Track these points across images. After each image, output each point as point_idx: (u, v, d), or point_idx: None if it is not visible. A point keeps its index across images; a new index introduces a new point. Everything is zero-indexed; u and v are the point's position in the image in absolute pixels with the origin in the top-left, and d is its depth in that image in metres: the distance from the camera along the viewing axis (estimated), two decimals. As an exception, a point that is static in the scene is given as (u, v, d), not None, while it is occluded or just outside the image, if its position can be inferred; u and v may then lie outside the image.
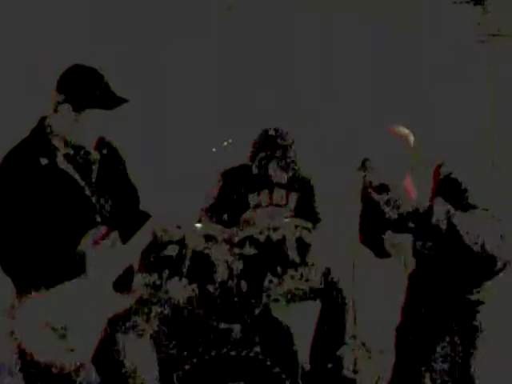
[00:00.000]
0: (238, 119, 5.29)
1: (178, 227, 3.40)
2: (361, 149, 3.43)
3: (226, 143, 2.99)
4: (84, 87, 2.89)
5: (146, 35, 5.55)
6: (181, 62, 5.61)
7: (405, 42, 5.77)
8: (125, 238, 2.94)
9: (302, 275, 3.97)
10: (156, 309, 3.79)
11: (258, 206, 4.57)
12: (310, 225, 4.21)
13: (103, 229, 2.94)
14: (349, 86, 5.72)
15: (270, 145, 4.44)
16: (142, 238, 2.99)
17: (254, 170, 4.50)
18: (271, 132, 4.46)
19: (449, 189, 3.38)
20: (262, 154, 4.45)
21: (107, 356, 3.10)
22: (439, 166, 3.46)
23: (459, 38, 5.69)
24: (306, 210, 4.58)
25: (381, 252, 3.60)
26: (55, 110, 2.93)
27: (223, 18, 5.73)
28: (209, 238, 4.00)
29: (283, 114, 5.07)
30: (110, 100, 2.89)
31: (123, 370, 3.16)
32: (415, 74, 5.74)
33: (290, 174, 4.55)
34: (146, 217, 3.02)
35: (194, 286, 3.97)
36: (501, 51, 5.64)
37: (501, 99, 5.66)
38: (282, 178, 4.54)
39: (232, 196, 4.55)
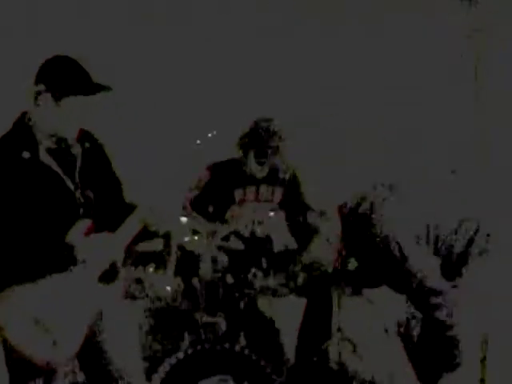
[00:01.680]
0: (224, 111, 5.28)
1: (164, 221, 3.38)
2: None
3: (210, 135, 2.98)
4: (62, 75, 2.88)
5: (129, 24, 5.53)
6: (166, 53, 5.59)
7: (390, 37, 5.78)
8: (110, 231, 2.93)
9: (287, 269, 3.99)
10: (141, 303, 3.80)
11: (243, 200, 4.58)
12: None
13: (88, 222, 2.93)
14: (336, 84, 5.71)
15: (256, 138, 4.45)
16: (127, 231, 2.99)
17: (244, 163, 4.50)
18: (257, 125, 4.47)
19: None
20: (249, 147, 4.45)
21: (92, 351, 3.09)
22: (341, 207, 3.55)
23: (446, 34, 5.69)
24: (292, 204, 4.58)
25: None
26: (35, 102, 2.91)
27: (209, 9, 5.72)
28: (194, 231, 4.01)
29: (272, 108, 5.06)
30: (89, 87, 2.89)
31: (108, 366, 3.14)
32: (401, 69, 5.74)
33: (276, 167, 4.55)
34: (130, 209, 3.01)
35: (179, 279, 3.98)
36: (488, 46, 5.65)
37: (488, 94, 5.67)
38: (267, 171, 4.55)
39: (218, 189, 4.55)
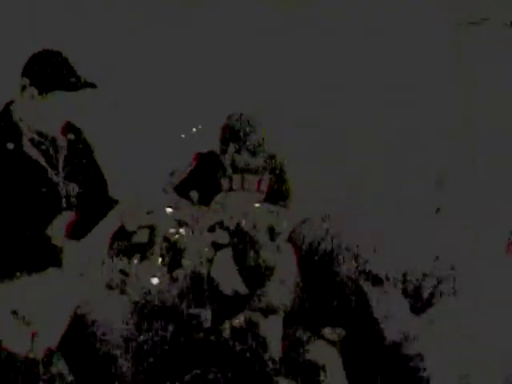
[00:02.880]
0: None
1: (149, 212, 3.37)
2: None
3: (195, 129, 2.97)
4: (47, 69, 2.87)
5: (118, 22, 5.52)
6: (152, 47, 5.58)
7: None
8: (91, 224, 2.93)
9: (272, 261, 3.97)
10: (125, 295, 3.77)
11: (229, 190, 4.56)
12: (281, 209, 4.22)
13: (71, 215, 2.92)
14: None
15: (235, 130, 4.44)
16: (110, 224, 2.98)
17: (222, 157, 4.50)
18: (235, 117, 4.46)
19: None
20: (228, 140, 4.45)
21: (76, 343, 3.07)
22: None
23: (432, 26, 5.69)
24: (278, 194, 4.58)
25: None
26: (21, 96, 2.91)
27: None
28: (179, 222, 3.99)
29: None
30: (73, 83, 2.88)
31: (93, 358, 3.14)
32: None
33: (261, 158, 4.54)
34: (112, 202, 3.01)
35: (165, 271, 3.96)
36: (474, 39, 5.66)
37: (474, 88, 5.68)
38: (253, 162, 4.53)
39: (204, 176, 4.54)
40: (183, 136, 2.79)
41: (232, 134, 4.43)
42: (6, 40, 5.19)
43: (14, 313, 2.77)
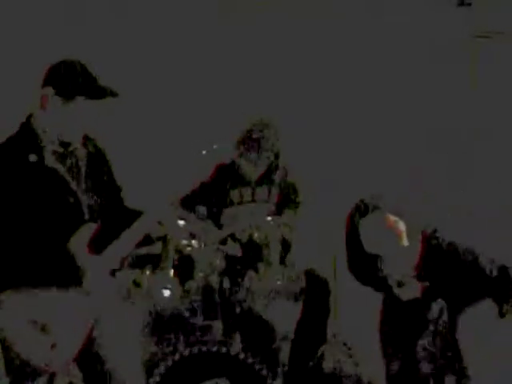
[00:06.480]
0: (223, 114, 5.31)
1: (160, 224, 3.39)
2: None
3: (216, 146, 2.99)
4: (71, 78, 2.88)
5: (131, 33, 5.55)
6: (170, 59, 5.60)
7: (386, 42, 5.80)
8: (114, 236, 2.93)
9: (284, 274, 4.00)
10: (139, 305, 3.79)
11: (240, 202, 4.58)
12: (292, 222, 4.25)
13: (94, 226, 2.93)
14: (335, 83, 5.73)
15: (248, 139, 4.47)
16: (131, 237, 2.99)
17: (240, 165, 4.51)
18: (249, 126, 4.49)
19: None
20: (242, 148, 4.47)
21: (90, 355, 3.09)
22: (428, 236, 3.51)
23: (443, 39, 5.72)
24: (288, 204, 4.60)
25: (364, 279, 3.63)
26: (42, 106, 2.91)
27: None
28: (191, 235, 4.01)
29: (271, 108, 5.08)
30: (97, 91, 2.89)
31: (106, 369, 3.15)
32: (397, 76, 5.77)
33: (270, 167, 4.56)
34: (137, 214, 3.01)
35: (177, 282, 3.98)
36: (485, 52, 5.69)
37: (485, 100, 5.71)
38: (263, 172, 4.56)
39: (212, 190, 4.56)
40: (204, 152, 2.82)
41: (251, 138, 4.46)
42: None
43: (34, 323, 2.79)
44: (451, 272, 3.45)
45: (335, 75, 5.78)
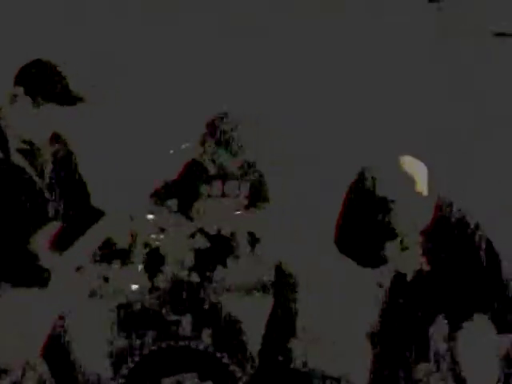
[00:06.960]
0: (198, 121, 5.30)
1: (130, 218, 3.38)
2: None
3: (184, 146, 2.99)
4: (45, 81, 2.85)
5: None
6: (140, 56, 5.58)
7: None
8: (78, 234, 2.92)
9: (252, 268, 4.01)
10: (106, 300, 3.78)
11: (209, 196, 4.58)
12: (262, 216, 4.26)
13: (56, 224, 2.91)
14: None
15: (215, 130, 4.47)
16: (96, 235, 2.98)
17: (204, 159, 4.51)
18: (215, 118, 4.49)
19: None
20: (209, 141, 4.47)
21: (57, 350, 3.07)
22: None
23: (414, 37, 5.74)
24: (257, 199, 4.61)
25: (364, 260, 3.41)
26: (11, 104, 2.89)
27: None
28: (160, 229, 4.01)
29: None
30: (67, 97, 2.86)
31: (74, 364, 3.14)
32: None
33: (240, 160, 4.56)
34: (99, 214, 3.00)
35: (145, 277, 3.97)
36: (456, 50, 5.71)
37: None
38: (233, 165, 4.56)
39: (183, 184, 4.56)
40: (172, 152, 2.80)
41: (213, 131, 4.44)
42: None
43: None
44: (458, 259, 3.08)
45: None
